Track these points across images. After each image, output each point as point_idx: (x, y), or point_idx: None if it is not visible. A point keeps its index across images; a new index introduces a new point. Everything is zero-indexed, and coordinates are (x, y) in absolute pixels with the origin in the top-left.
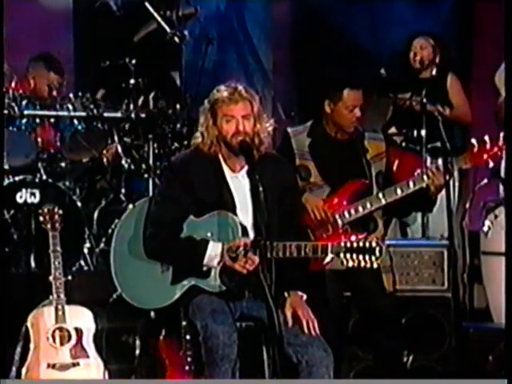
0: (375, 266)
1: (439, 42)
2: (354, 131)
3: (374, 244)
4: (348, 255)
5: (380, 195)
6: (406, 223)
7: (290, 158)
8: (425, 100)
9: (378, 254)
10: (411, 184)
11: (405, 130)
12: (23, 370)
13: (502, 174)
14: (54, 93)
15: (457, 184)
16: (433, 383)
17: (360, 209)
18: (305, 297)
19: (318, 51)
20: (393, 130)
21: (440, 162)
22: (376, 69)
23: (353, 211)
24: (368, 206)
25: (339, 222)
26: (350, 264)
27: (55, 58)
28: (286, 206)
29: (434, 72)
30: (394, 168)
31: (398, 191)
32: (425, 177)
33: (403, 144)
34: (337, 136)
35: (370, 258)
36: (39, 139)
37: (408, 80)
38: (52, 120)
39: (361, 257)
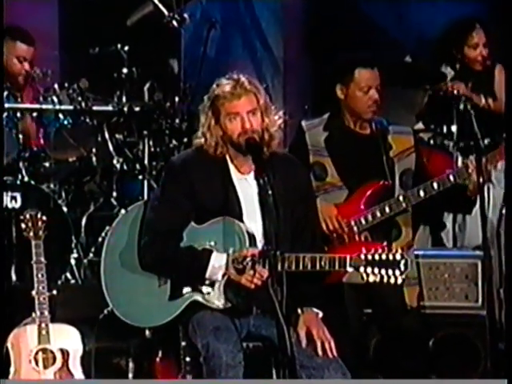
0: (400, 281)
1: (490, 31)
2: (373, 118)
3: (398, 256)
4: (369, 269)
5: (400, 198)
6: (439, 229)
7: (304, 154)
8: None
9: (402, 268)
10: (435, 185)
11: (433, 125)
12: None
13: None
14: (26, 66)
15: (492, 187)
16: (433, 383)
17: (378, 214)
18: (320, 314)
19: (335, 36)
20: (419, 125)
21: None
22: (401, 56)
23: (370, 217)
24: (387, 210)
25: (355, 229)
26: (371, 279)
27: (21, 28)
28: (299, 213)
29: (486, 64)
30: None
31: (421, 193)
32: (451, 177)
33: (431, 142)
34: (356, 129)
35: (394, 273)
36: (20, 136)
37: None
38: (35, 114)
39: (383, 271)
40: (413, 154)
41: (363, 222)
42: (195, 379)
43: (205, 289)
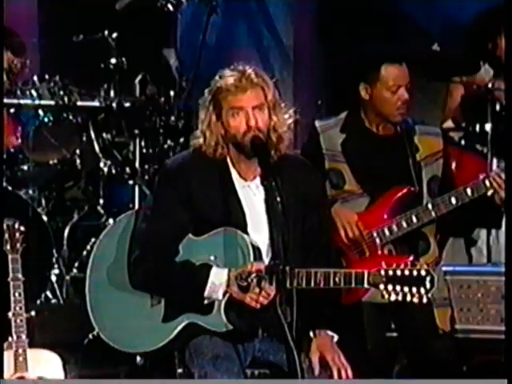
0: (425, 300)
1: None
2: (402, 121)
3: (423, 272)
4: (390, 287)
5: (429, 206)
6: (472, 243)
7: (319, 159)
8: None
9: (428, 285)
10: (469, 191)
11: (464, 123)
12: None
13: None
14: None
15: None
16: (433, 383)
17: (404, 224)
18: (335, 337)
19: (351, 22)
20: (449, 123)
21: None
22: (427, 44)
23: (395, 227)
24: (414, 220)
25: (377, 241)
26: (393, 297)
27: (13, 33)
28: (311, 222)
29: None
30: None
31: (453, 200)
32: (487, 182)
33: (462, 142)
34: (379, 131)
35: (419, 291)
36: None
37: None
38: (12, 110)
39: (406, 289)
40: (441, 159)
41: (387, 233)
42: (195, 379)
43: (203, 309)
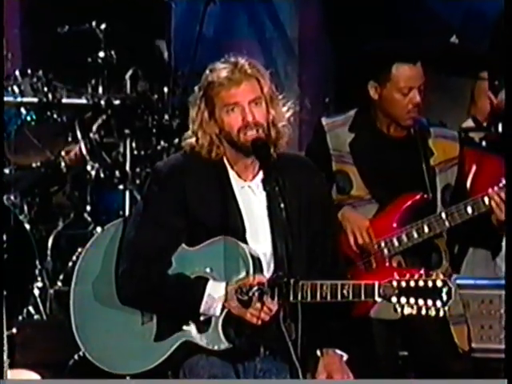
0: (441, 313)
1: None
2: (414, 124)
3: (439, 283)
4: (403, 299)
5: (443, 215)
6: (495, 254)
7: (325, 161)
8: None
9: (445, 297)
10: (486, 200)
11: (485, 123)
12: None
13: None
14: None
15: None
16: (432, 383)
17: (414, 234)
18: (345, 356)
19: (361, 12)
20: (469, 123)
21: None
22: (445, 36)
23: (404, 237)
24: (426, 229)
25: (385, 251)
26: (407, 311)
27: None
28: (315, 230)
29: None
30: (470, 179)
31: (469, 210)
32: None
33: (483, 143)
34: (390, 132)
35: (435, 304)
36: None
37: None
38: None
39: (421, 301)
40: (457, 166)
41: (396, 243)
42: (194, 379)
43: (199, 326)
